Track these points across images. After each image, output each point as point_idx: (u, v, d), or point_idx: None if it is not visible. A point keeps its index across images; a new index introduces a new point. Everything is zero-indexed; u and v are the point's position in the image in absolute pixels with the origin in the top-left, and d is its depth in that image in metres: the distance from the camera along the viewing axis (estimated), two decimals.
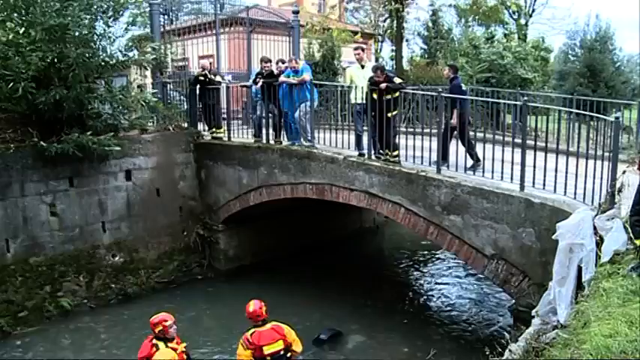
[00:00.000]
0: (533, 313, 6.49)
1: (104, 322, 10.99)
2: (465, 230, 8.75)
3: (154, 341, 6.75)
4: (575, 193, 7.47)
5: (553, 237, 6.53)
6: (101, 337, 10.43)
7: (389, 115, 9.95)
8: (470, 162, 9.63)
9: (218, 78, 13.79)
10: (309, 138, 11.56)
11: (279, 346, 7.03)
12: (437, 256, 15.33)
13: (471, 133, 9.50)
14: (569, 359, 4.03)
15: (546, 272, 7.05)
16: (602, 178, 7.22)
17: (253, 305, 7.18)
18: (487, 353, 5.90)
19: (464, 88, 11.43)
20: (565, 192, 7.71)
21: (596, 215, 6.39)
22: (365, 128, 10.68)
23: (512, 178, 8.28)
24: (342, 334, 10.47)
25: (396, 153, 10.05)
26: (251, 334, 7.02)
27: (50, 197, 11.14)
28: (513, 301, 8.39)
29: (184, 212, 13.41)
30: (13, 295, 10.54)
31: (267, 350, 6.97)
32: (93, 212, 11.82)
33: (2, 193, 10.46)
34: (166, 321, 6.89)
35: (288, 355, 7.16)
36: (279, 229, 14.05)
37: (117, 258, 12.18)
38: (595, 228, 6.16)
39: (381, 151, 10.22)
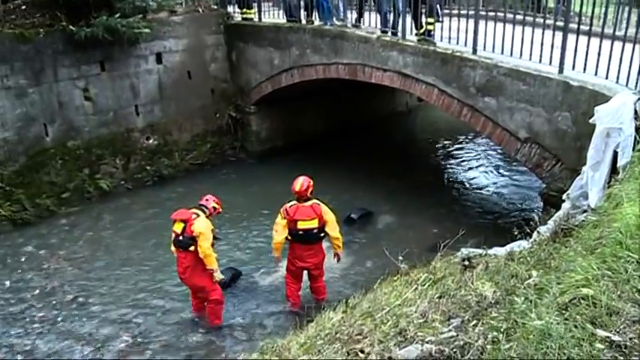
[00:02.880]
0: (563, 197, 6.49)
1: (141, 202, 11.43)
2: (499, 113, 8.61)
3: (194, 210, 7.06)
4: (617, 78, 7.17)
5: (590, 121, 6.38)
6: (139, 215, 10.90)
7: None
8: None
9: None
10: (342, 17, 11.21)
11: (313, 224, 7.27)
12: (469, 140, 15.24)
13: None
14: (598, 237, 4.01)
15: (580, 157, 6.97)
16: None
17: (299, 185, 7.32)
18: (516, 234, 5.97)
19: None
20: (607, 76, 7.35)
21: (638, 100, 6.17)
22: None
23: (550, 61, 7.95)
24: (372, 214, 10.74)
25: (432, 20, 9.64)
26: (290, 206, 7.30)
27: (83, 82, 11.20)
28: (544, 185, 8.39)
29: (216, 94, 13.43)
30: (55, 177, 10.97)
31: (301, 225, 7.26)
32: (125, 96, 11.91)
33: (36, 78, 10.55)
34: (221, 207, 7.39)
35: (322, 234, 7.43)
36: (311, 111, 14.05)
37: (151, 141, 12.44)
38: (636, 112, 5.97)
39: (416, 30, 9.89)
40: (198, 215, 6.96)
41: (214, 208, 7.28)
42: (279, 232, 7.35)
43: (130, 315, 7.88)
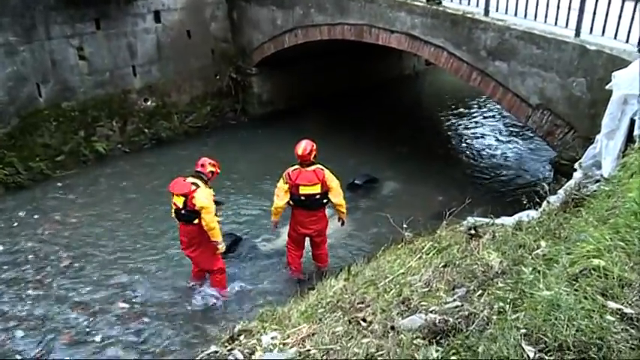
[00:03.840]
0: (575, 165, 6.44)
1: (139, 166, 11.43)
2: (511, 78, 8.49)
3: (192, 180, 6.98)
4: (638, 43, 7.00)
5: (607, 87, 6.26)
6: (136, 179, 10.90)
7: None
8: None
9: None
10: None
11: (315, 189, 7.22)
12: (478, 105, 15.12)
13: None
14: (611, 207, 3.97)
15: (594, 125, 6.88)
16: None
17: (302, 149, 7.26)
18: (525, 203, 5.94)
19: None
20: (627, 39, 7.14)
21: None
22: None
23: (567, 24, 7.76)
24: (377, 180, 10.74)
25: None
26: (292, 170, 7.26)
27: (77, 40, 11.06)
28: (555, 153, 8.33)
29: (216, 55, 13.31)
30: (49, 140, 10.91)
31: (303, 190, 7.21)
32: (122, 55, 11.79)
33: (27, 35, 10.40)
34: (219, 167, 7.22)
35: (324, 201, 7.41)
36: (315, 73, 13.92)
37: (149, 102, 12.37)
38: None
39: None
40: (197, 186, 6.85)
41: (212, 172, 7.14)
42: (281, 197, 7.32)
43: (126, 281, 7.91)
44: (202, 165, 7.09)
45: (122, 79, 11.88)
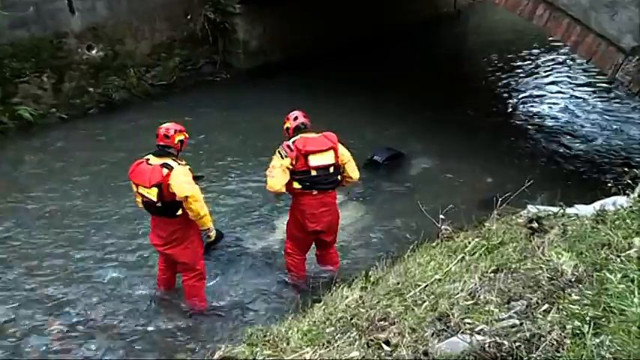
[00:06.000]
0: None
1: (80, 138, 11.40)
2: (592, 11, 8.30)
3: (159, 161, 6.86)
4: None
5: None
6: (77, 156, 10.84)
7: None
8: None
9: None
10: None
11: (328, 158, 7.12)
12: (543, 54, 15.03)
13: None
14: None
15: None
16: None
17: (297, 116, 7.26)
18: (609, 187, 5.88)
19: None
20: None
21: None
22: None
23: None
24: (402, 156, 10.71)
25: None
26: (295, 140, 7.15)
27: None
28: None
29: None
30: None
31: (314, 161, 7.09)
32: None
33: None
34: (187, 133, 7.09)
35: (339, 177, 7.32)
36: (322, 13, 13.94)
37: (94, 51, 12.32)
38: None
39: None
40: (169, 167, 6.71)
41: (181, 142, 6.97)
42: (279, 177, 7.20)
43: (64, 293, 7.76)
44: (167, 135, 6.93)
45: (53, 18, 11.77)
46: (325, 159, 7.12)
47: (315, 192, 7.23)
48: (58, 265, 8.31)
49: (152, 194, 6.68)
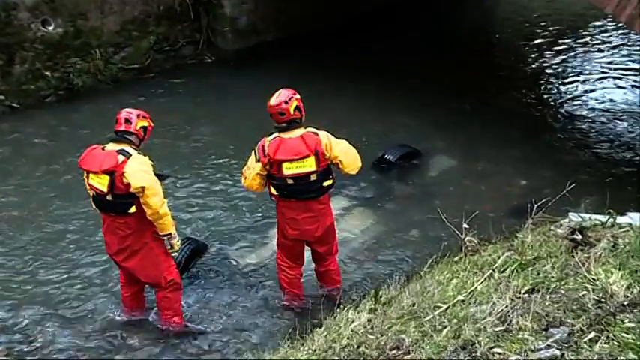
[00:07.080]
0: None
1: (36, 131, 11.42)
2: None
3: (115, 147, 6.80)
4: None
5: None
6: (31, 153, 10.86)
7: None
8: None
9: None
10: None
11: (306, 166, 6.96)
12: (589, 33, 15.08)
13: None
14: None
15: None
16: None
17: (277, 97, 7.05)
18: None
19: None
20: None
21: None
22: None
23: None
24: (419, 154, 10.71)
25: None
26: (270, 141, 7.07)
27: None
28: None
29: None
30: None
31: (288, 170, 7.00)
32: None
33: None
34: (150, 120, 7.04)
35: (325, 184, 7.17)
36: None
37: (51, 27, 12.31)
38: None
39: None
40: (127, 155, 6.70)
41: (144, 128, 6.96)
42: (251, 181, 7.14)
43: (9, 317, 7.70)
44: (128, 120, 6.86)
45: None
46: (302, 168, 6.97)
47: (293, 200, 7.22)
48: (6, 281, 8.29)
49: (102, 184, 6.62)
